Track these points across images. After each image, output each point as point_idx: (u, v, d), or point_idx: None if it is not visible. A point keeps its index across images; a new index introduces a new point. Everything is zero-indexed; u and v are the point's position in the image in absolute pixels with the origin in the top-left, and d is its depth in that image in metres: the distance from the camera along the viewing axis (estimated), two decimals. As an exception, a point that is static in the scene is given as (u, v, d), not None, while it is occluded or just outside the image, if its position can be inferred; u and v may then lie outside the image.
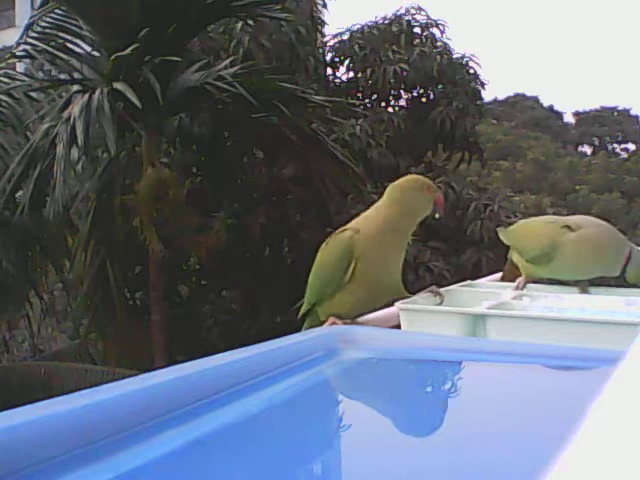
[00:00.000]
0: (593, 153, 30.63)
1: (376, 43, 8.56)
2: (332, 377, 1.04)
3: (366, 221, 1.37)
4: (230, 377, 0.85)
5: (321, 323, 1.42)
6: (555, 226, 1.55)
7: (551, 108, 33.37)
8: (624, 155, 30.69)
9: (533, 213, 9.13)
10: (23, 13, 16.42)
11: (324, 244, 1.41)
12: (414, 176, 1.43)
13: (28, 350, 8.19)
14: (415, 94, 8.88)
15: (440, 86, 8.59)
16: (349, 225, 1.39)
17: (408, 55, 8.34)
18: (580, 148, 31.42)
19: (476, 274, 2.41)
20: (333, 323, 1.32)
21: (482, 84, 8.89)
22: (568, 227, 1.53)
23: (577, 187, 22.94)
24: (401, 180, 1.41)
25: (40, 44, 5.81)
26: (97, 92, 5.00)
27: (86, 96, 5.02)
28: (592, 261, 1.51)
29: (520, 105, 32.15)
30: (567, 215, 1.69)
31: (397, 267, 1.39)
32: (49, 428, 0.63)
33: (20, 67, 7.70)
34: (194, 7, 5.57)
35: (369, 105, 8.74)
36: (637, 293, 1.49)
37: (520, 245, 1.66)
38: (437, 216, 1.39)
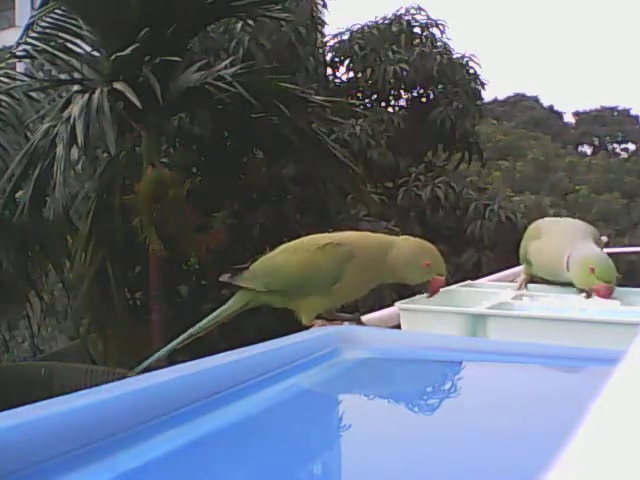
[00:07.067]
0: (593, 153, 30.62)
1: (376, 43, 8.57)
2: (332, 377, 1.04)
3: (363, 249, 1.34)
4: (230, 377, 0.85)
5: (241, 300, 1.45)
6: (527, 234, 1.69)
7: (551, 108, 33.36)
8: (624, 155, 30.70)
9: (533, 213, 9.13)
10: (23, 13, 16.42)
11: (320, 248, 1.36)
12: (427, 251, 1.35)
13: (28, 350, 8.18)
14: (415, 94, 8.89)
15: (440, 86, 8.60)
16: (348, 240, 1.36)
17: (408, 55, 8.35)
18: (580, 148, 31.40)
19: (476, 274, 2.41)
20: (322, 325, 1.32)
21: (482, 84, 8.91)
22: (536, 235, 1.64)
23: (577, 187, 22.93)
24: (416, 247, 1.35)
25: (40, 44, 5.80)
26: (97, 92, 4.99)
27: (86, 96, 5.02)
28: (547, 266, 1.58)
29: (520, 105, 32.14)
30: (568, 216, 1.72)
31: (366, 289, 1.41)
32: (49, 428, 0.63)
33: (20, 67, 7.69)
34: (194, 7, 5.57)
35: (369, 105, 8.74)
36: (637, 293, 1.49)
37: None
38: (425, 296, 1.34)
